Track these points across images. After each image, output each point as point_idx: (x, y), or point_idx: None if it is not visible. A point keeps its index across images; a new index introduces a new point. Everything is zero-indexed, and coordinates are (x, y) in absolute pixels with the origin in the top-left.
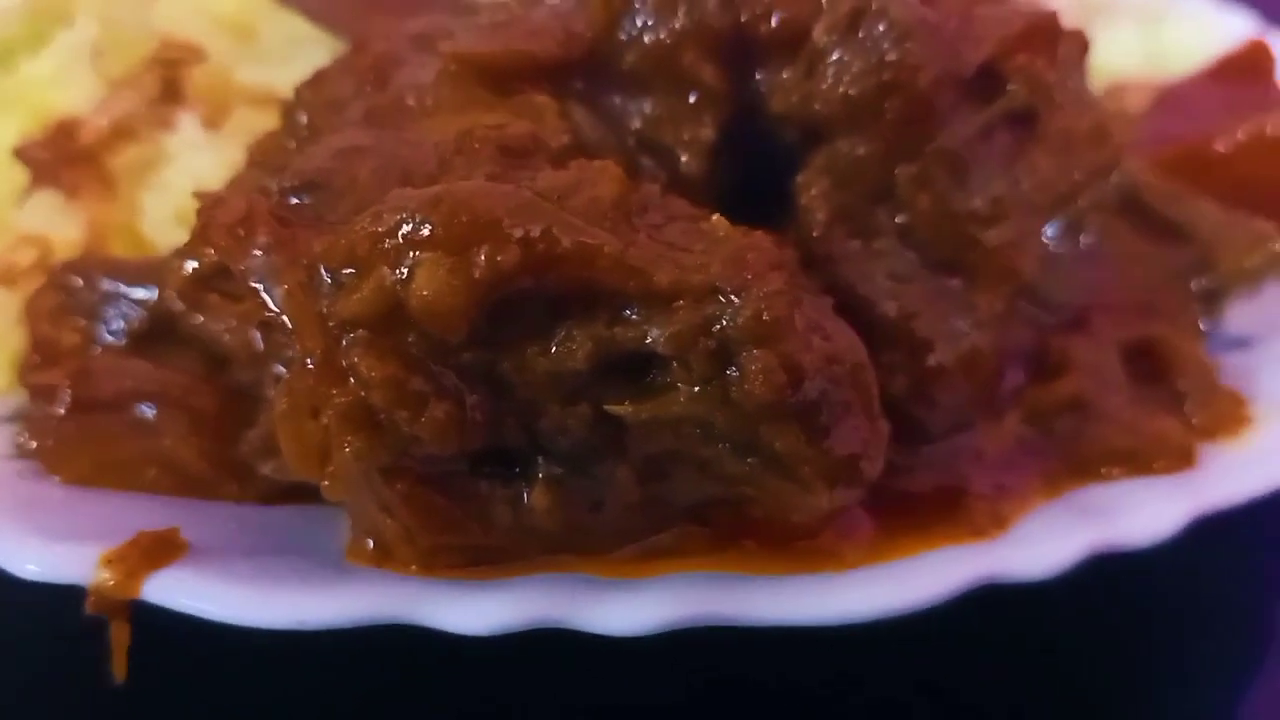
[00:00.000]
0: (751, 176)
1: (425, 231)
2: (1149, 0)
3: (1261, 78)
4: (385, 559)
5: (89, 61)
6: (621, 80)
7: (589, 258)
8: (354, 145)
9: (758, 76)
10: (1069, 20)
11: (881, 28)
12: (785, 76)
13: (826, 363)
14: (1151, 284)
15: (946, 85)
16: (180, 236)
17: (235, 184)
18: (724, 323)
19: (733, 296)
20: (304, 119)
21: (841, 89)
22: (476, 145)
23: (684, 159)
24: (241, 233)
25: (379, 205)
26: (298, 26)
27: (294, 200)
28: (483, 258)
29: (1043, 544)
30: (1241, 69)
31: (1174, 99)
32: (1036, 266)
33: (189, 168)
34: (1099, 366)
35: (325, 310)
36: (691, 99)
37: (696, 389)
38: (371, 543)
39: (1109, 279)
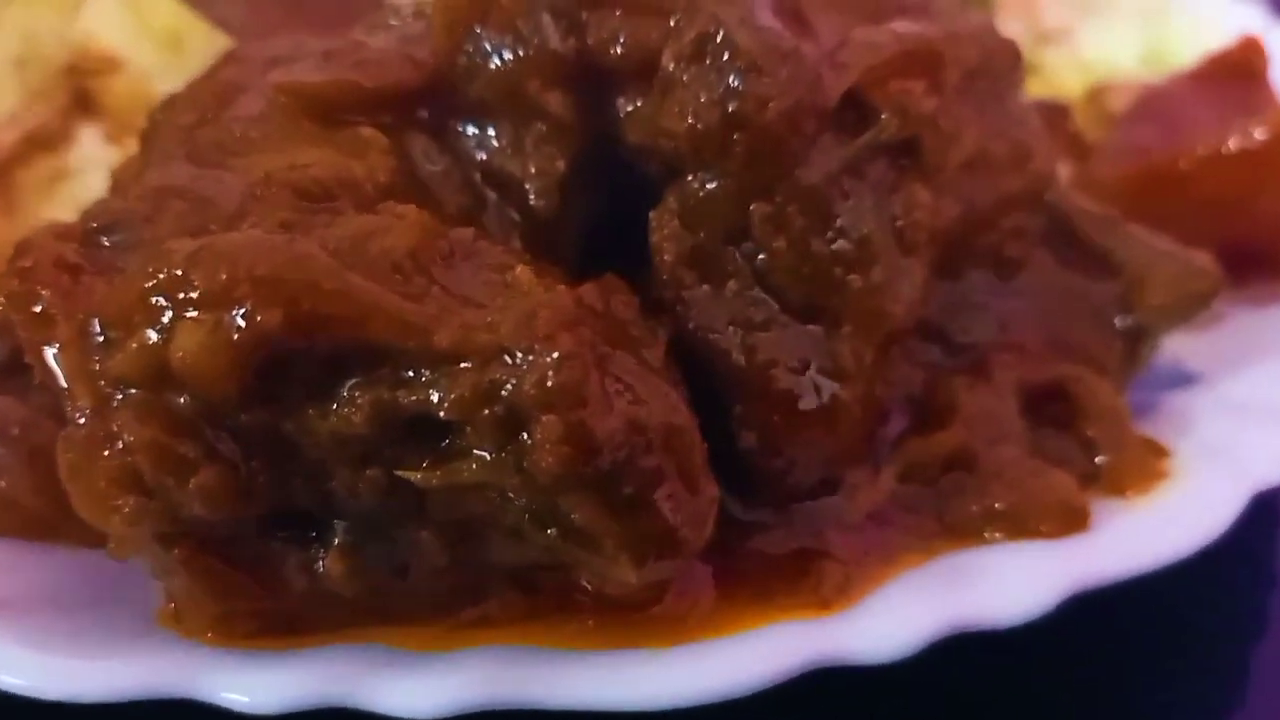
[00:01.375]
0: (616, 210)
1: (185, 288)
2: None
3: (1254, 79)
4: (180, 623)
5: (10, 72)
6: (468, 109)
7: (361, 317)
8: (168, 184)
9: (616, 104)
10: (1051, 17)
11: (727, 56)
12: (639, 106)
13: (630, 429)
14: (1070, 320)
15: (803, 117)
16: None
17: (85, 214)
18: (510, 387)
19: (521, 359)
20: (155, 145)
21: (687, 121)
22: (273, 189)
23: (533, 194)
24: (26, 282)
25: (147, 256)
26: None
27: (103, 241)
28: (242, 318)
29: (891, 620)
30: (1232, 69)
31: (1155, 103)
32: (910, 310)
33: (91, 183)
34: (991, 413)
35: (97, 367)
36: (540, 129)
37: (489, 456)
38: (172, 605)
39: (1022, 314)
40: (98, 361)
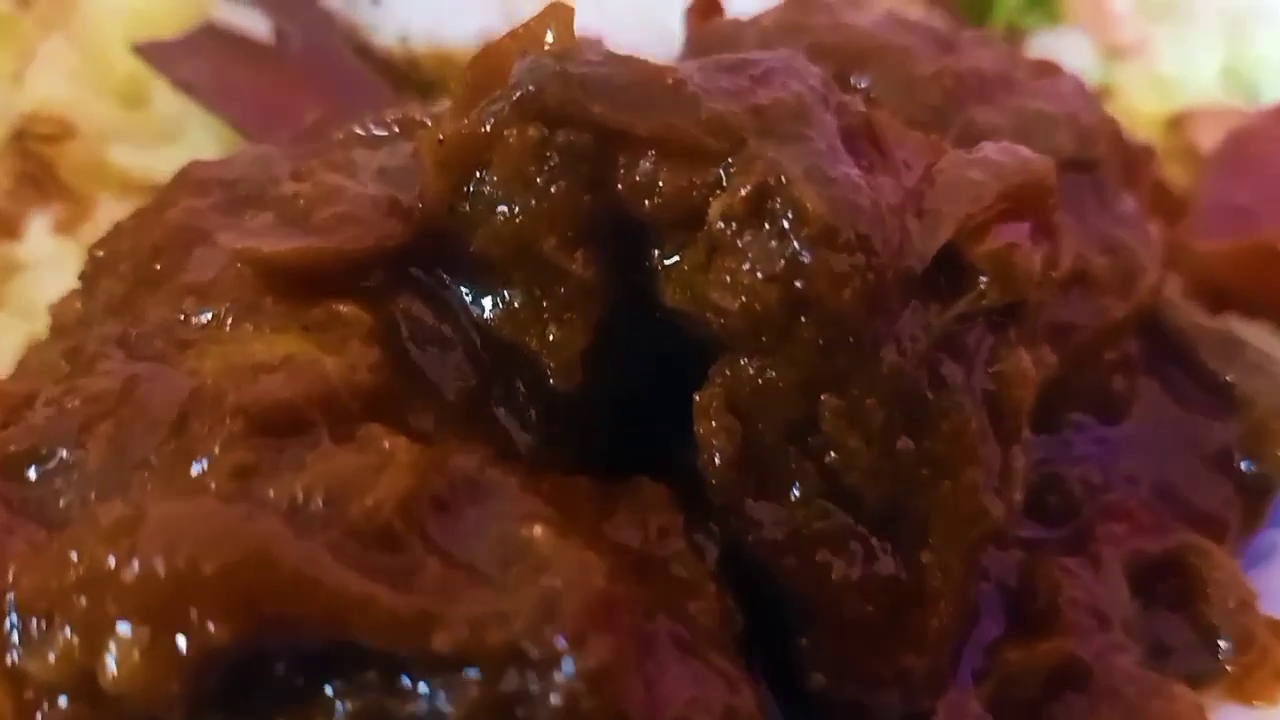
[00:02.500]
0: (648, 375)
1: (113, 588)
2: None
3: None
4: None
5: None
6: (469, 266)
7: (339, 618)
8: (96, 392)
9: (649, 255)
10: (1125, 29)
11: (790, 218)
12: (679, 262)
13: None
14: (1183, 469)
15: (886, 294)
16: None
17: (23, 368)
18: (532, 697)
19: (542, 663)
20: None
21: (741, 299)
22: (226, 416)
23: (551, 371)
24: None
25: (70, 530)
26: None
27: (27, 473)
28: (186, 632)
29: None
30: None
31: (1248, 147)
32: (1011, 511)
33: (38, 286)
34: (1100, 608)
35: (16, 664)
36: (558, 292)
37: None
38: None
39: (1129, 465)
40: (18, 657)
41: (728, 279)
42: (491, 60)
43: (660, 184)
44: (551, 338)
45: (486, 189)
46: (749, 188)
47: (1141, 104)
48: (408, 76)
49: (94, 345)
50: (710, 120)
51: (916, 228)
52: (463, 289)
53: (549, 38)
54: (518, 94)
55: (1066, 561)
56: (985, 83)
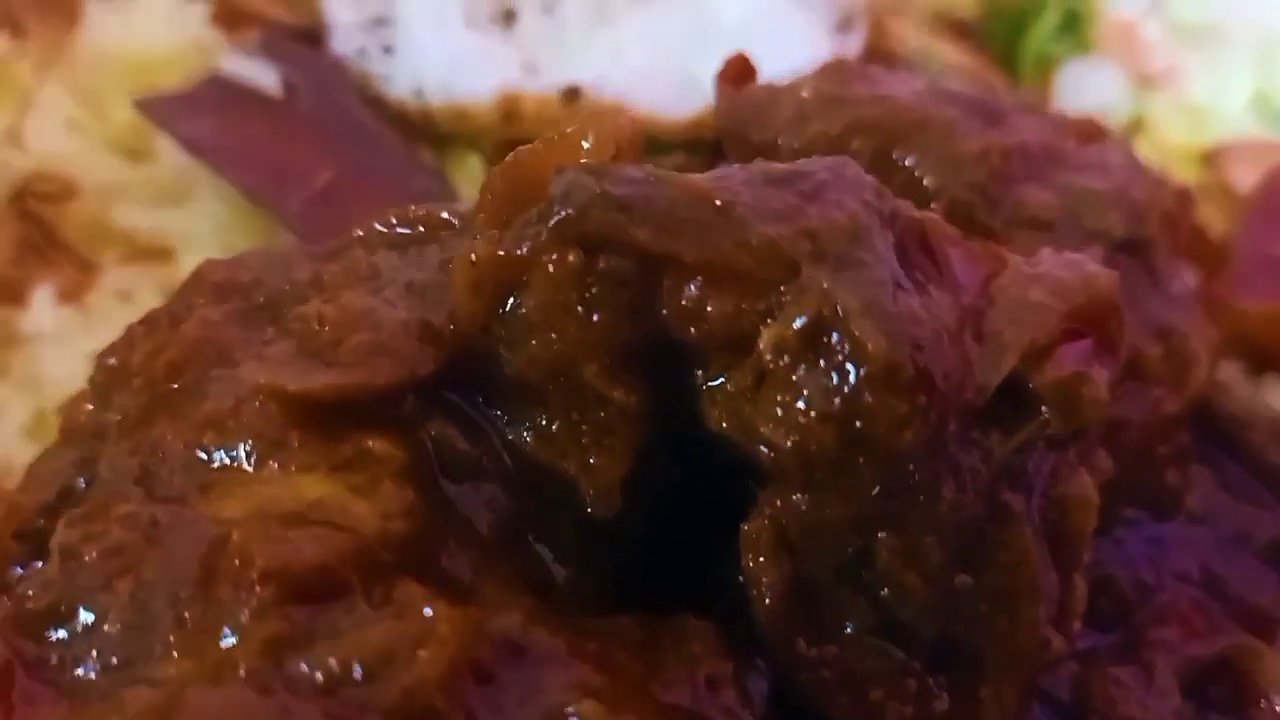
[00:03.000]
0: (687, 491)
1: None
2: (1269, 23)
3: None
4: None
5: None
6: (503, 388)
7: None
8: (116, 543)
9: (693, 375)
10: (1156, 56)
11: (847, 354)
12: (723, 384)
13: None
14: (1234, 564)
15: (947, 433)
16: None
17: (33, 477)
18: None
19: None
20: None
21: (793, 437)
22: (256, 581)
23: (590, 498)
24: None
25: (93, 710)
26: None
27: (49, 635)
28: None
29: None
30: None
31: None
32: (1070, 640)
33: (42, 358)
34: None
35: None
36: (598, 417)
37: None
38: None
39: (1179, 563)
40: None
41: (779, 412)
42: (524, 170)
43: (708, 310)
44: (591, 463)
45: (522, 312)
46: (804, 320)
47: (1173, 135)
48: (422, 129)
49: (108, 472)
50: (761, 246)
51: (977, 355)
52: (496, 411)
53: (586, 146)
54: (556, 217)
55: (1119, 673)
56: (1033, 158)
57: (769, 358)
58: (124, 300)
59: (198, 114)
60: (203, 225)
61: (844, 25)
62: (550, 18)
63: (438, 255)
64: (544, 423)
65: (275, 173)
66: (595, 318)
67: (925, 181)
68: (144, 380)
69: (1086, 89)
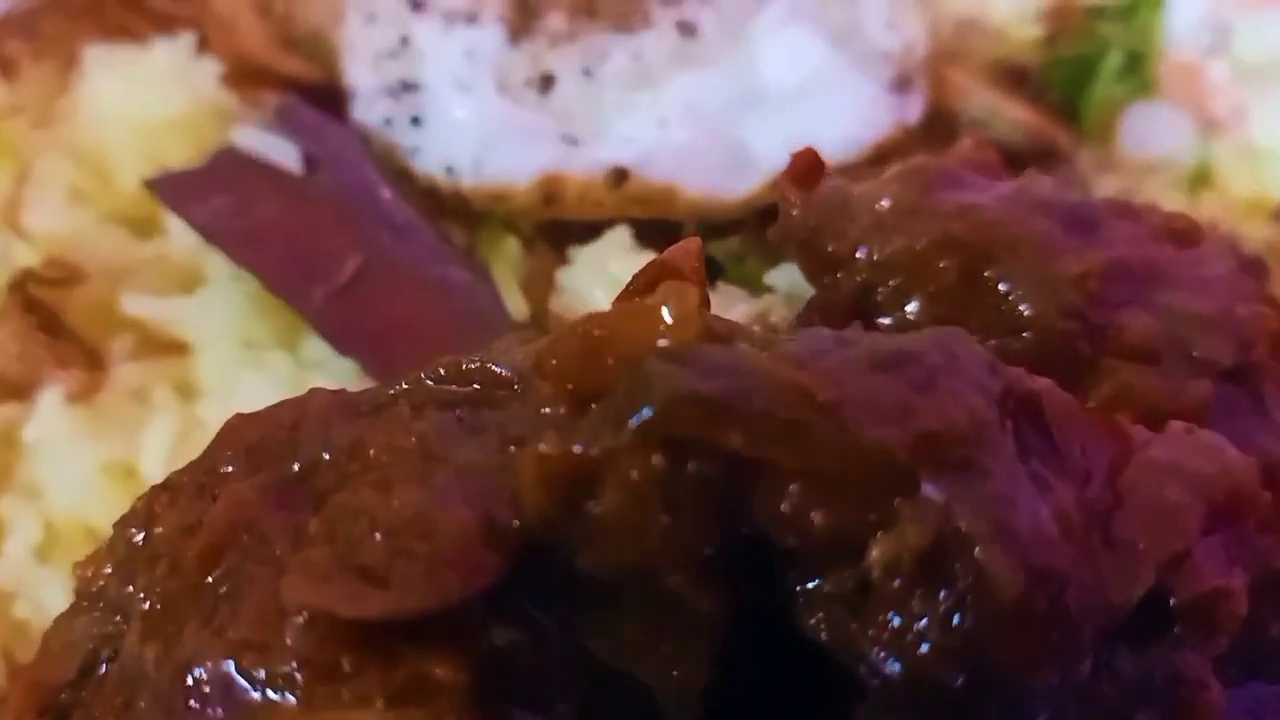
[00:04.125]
0: (769, 691)
1: None
2: None
3: None
4: None
5: None
6: (571, 584)
7: None
8: None
9: (785, 576)
10: (1220, 100)
11: (969, 583)
12: (822, 587)
13: None
14: None
15: (1077, 662)
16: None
17: (49, 651)
18: None
19: None
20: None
21: (906, 665)
22: None
23: (669, 707)
24: None
25: None
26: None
27: None
28: None
29: None
30: None
31: None
32: None
33: (48, 466)
34: None
35: None
36: (678, 622)
37: None
38: None
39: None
40: None
41: (888, 635)
42: (596, 344)
43: (810, 520)
44: (673, 673)
45: (598, 512)
46: (921, 542)
47: (1240, 186)
48: (454, 206)
49: (134, 669)
50: (872, 453)
51: (1109, 565)
52: (563, 611)
53: (667, 319)
54: (639, 417)
55: None
56: (1132, 276)
57: (878, 574)
58: (137, 400)
59: (210, 194)
60: (218, 316)
61: (902, 84)
62: (589, 82)
63: (495, 426)
64: (618, 626)
65: (296, 262)
66: (679, 523)
67: (1020, 308)
68: (170, 565)
69: (1150, 135)
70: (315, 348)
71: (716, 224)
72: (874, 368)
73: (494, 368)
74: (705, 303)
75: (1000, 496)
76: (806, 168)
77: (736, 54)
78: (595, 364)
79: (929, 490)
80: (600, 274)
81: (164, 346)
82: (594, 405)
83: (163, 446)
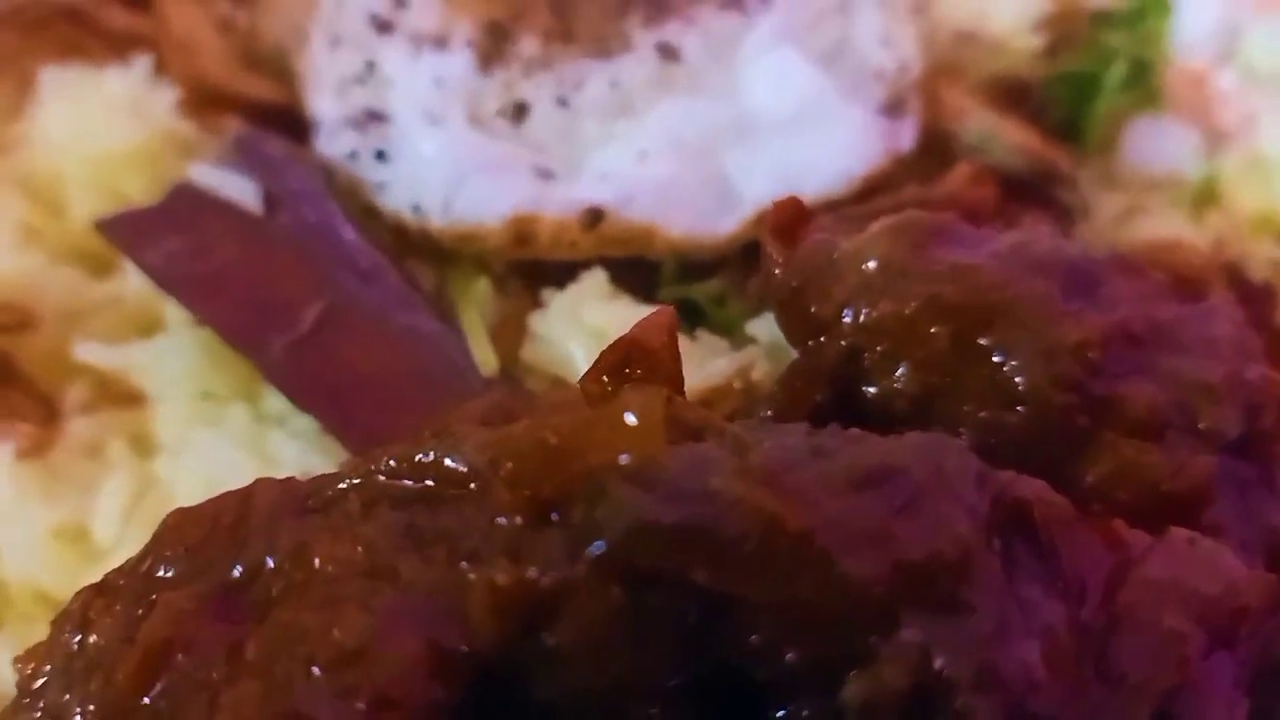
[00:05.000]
0: None
1: None
2: None
3: None
4: None
5: None
6: (532, 712)
7: None
8: None
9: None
10: (1229, 111)
11: None
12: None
13: None
14: None
15: None
16: None
17: None
18: None
19: None
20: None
21: None
22: None
23: None
24: None
25: None
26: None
27: None
28: None
29: None
30: None
31: None
32: None
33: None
34: None
35: None
36: None
37: None
38: None
39: None
40: None
41: None
42: (553, 452)
43: (782, 655)
44: None
45: (555, 642)
46: (899, 685)
47: (1248, 202)
48: (422, 244)
49: None
50: (845, 588)
51: (1103, 702)
52: None
53: (631, 423)
54: (595, 550)
55: None
56: (1134, 341)
57: (854, 713)
58: (90, 456)
59: (164, 235)
60: (176, 365)
61: (895, 107)
62: (565, 111)
63: (447, 537)
64: None
65: (254, 310)
66: (643, 654)
67: (1016, 379)
68: (106, 679)
69: (1155, 149)
70: (276, 401)
71: (698, 263)
72: (852, 485)
73: (449, 462)
74: (677, 384)
75: (985, 637)
76: (789, 219)
77: (721, 79)
78: (553, 473)
79: (909, 631)
80: (574, 322)
81: (119, 397)
82: (554, 515)
83: (116, 507)
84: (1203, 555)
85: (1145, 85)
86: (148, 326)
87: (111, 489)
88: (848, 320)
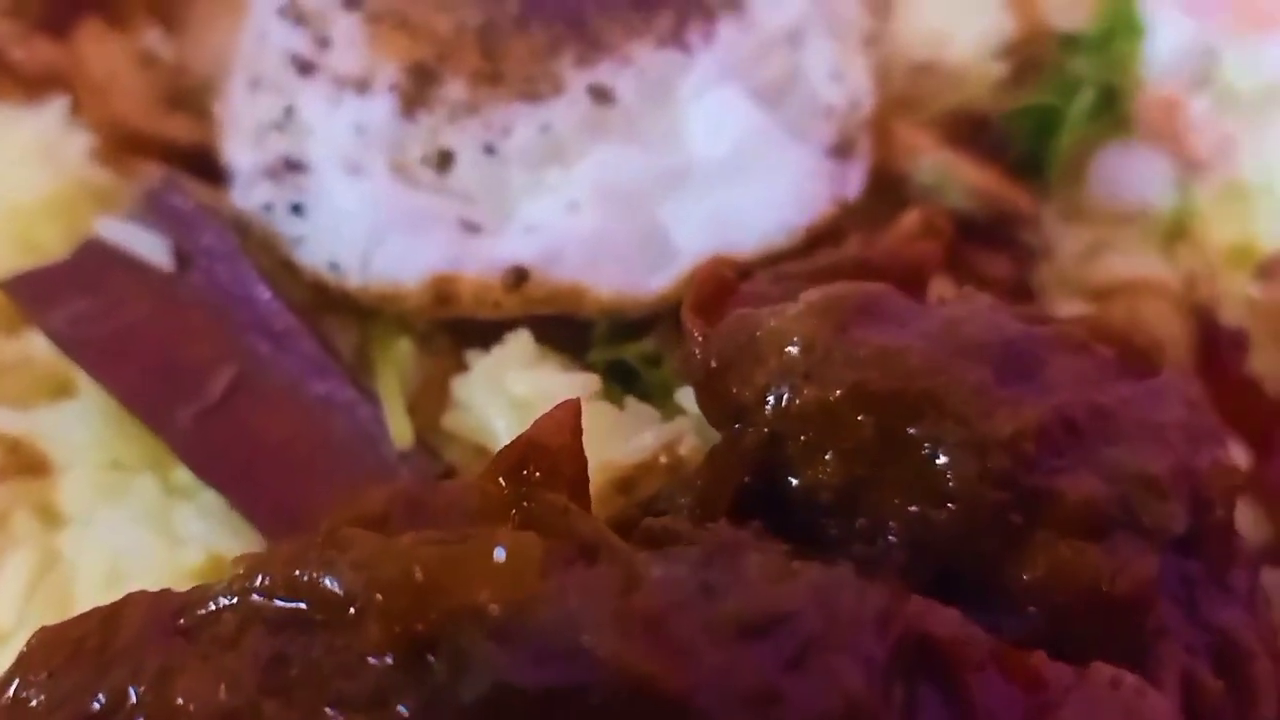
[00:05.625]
0: None
1: None
2: None
3: None
4: None
5: None
6: None
7: None
8: None
9: None
10: (1203, 138)
11: None
12: None
13: None
14: None
15: None
16: None
17: None
18: None
19: None
20: None
21: None
22: None
23: None
24: None
25: None
26: None
27: None
28: None
29: None
30: None
31: None
32: None
33: None
34: None
35: None
36: None
37: None
38: None
39: None
40: None
41: None
42: (421, 593)
43: None
44: None
45: None
46: None
47: (1222, 234)
48: (343, 300)
49: None
50: None
51: None
52: None
53: (499, 560)
54: (458, 705)
55: None
56: (1073, 430)
57: None
58: None
59: (71, 295)
60: (85, 432)
61: (844, 149)
62: (492, 159)
63: (314, 680)
64: None
65: (161, 376)
66: None
67: (946, 474)
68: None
69: (1124, 179)
70: (186, 473)
71: (630, 321)
72: (741, 633)
73: (326, 583)
74: (578, 487)
75: None
76: (710, 292)
77: (657, 122)
78: (420, 611)
79: None
80: (496, 391)
81: (26, 464)
82: (429, 656)
83: (18, 585)
84: (1125, 698)
85: (1114, 112)
86: (58, 389)
87: (14, 565)
88: (770, 406)
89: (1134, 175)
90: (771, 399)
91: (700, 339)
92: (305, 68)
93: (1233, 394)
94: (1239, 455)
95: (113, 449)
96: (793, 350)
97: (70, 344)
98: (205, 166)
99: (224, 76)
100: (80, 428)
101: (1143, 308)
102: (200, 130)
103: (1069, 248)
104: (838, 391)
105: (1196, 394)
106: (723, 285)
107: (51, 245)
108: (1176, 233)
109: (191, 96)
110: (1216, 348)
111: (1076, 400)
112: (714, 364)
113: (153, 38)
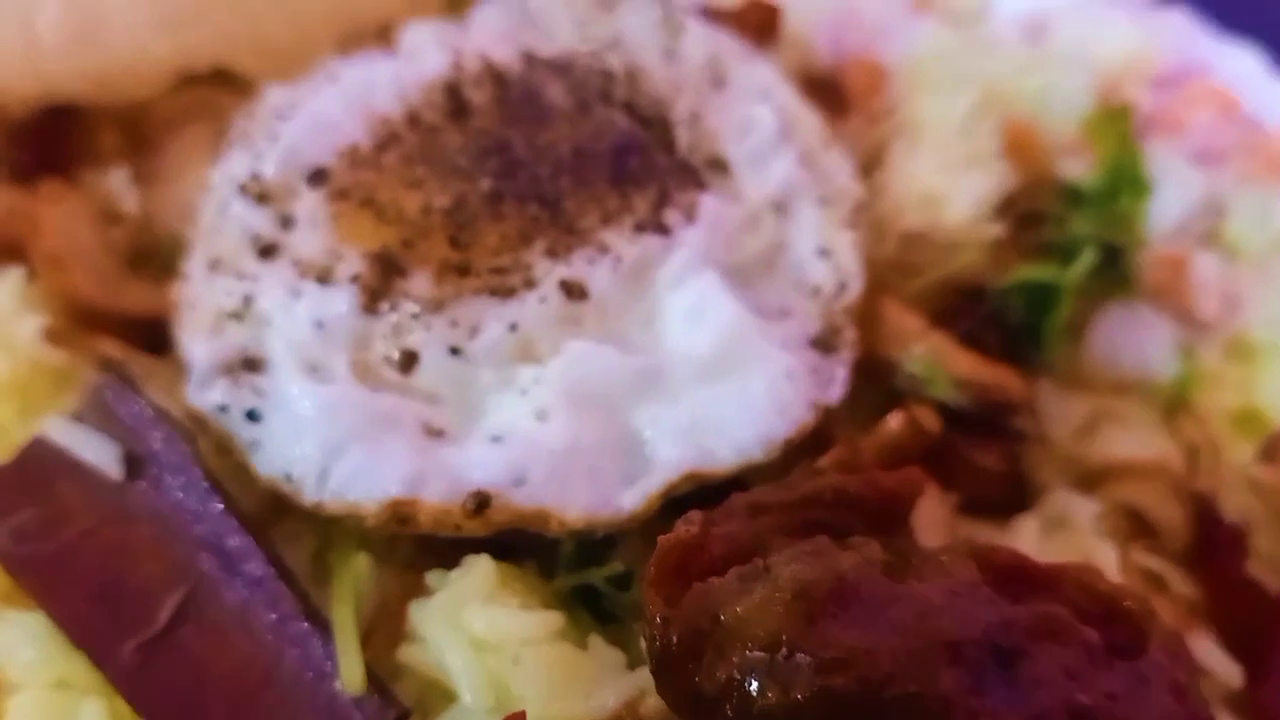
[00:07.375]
0: None
1: None
2: None
3: None
4: None
5: None
6: None
7: None
8: None
9: None
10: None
11: None
12: None
13: None
14: None
15: None
16: None
17: None
18: None
19: None
20: None
21: None
22: None
23: None
24: None
25: None
26: None
27: None
28: None
29: None
30: None
31: None
32: None
33: None
34: None
35: None
36: None
37: None
38: None
39: None
40: None
41: None
42: None
43: None
44: None
45: None
46: None
47: (1226, 397)
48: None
49: None
50: None
51: None
52: None
53: None
54: None
55: None
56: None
57: None
58: None
59: (14, 504)
60: (33, 649)
61: (828, 341)
62: (458, 360)
63: None
64: None
65: (105, 601)
66: None
67: None
68: None
69: (1126, 345)
70: None
71: (599, 539)
72: None
73: None
74: None
75: None
76: (674, 563)
77: (633, 316)
78: None
79: None
80: (454, 627)
81: None
82: None
83: None
84: None
85: (1116, 271)
86: (8, 597)
87: None
88: (733, 702)
89: (1135, 339)
90: (736, 696)
91: (659, 621)
92: (266, 250)
93: (1230, 596)
94: (1230, 672)
95: (59, 667)
96: (754, 650)
97: (13, 562)
98: (164, 336)
99: (191, 231)
100: (28, 643)
101: (1141, 494)
102: (160, 298)
103: (1066, 421)
104: (802, 694)
105: (1184, 676)
106: (687, 550)
107: (10, 426)
108: (1179, 403)
109: (158, 252)
110: (1215, 546)
111: (1055, 702)
112: (674, 648)
113: (119, 180)
